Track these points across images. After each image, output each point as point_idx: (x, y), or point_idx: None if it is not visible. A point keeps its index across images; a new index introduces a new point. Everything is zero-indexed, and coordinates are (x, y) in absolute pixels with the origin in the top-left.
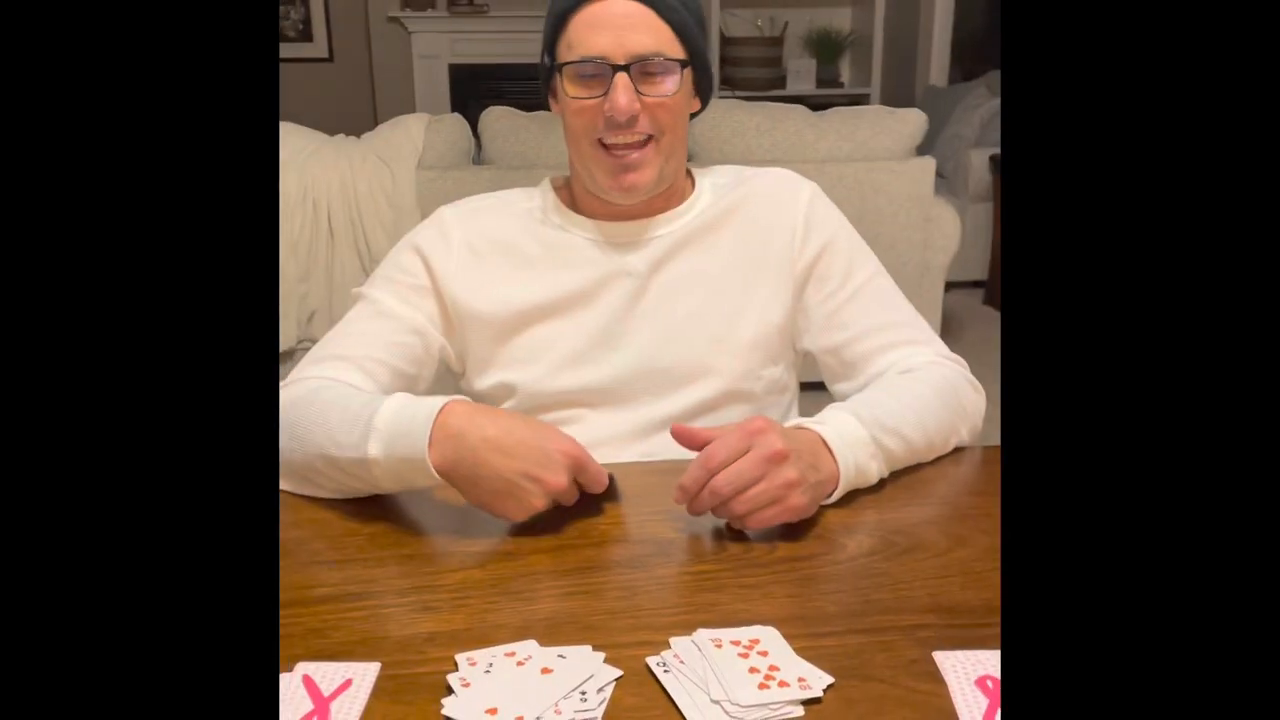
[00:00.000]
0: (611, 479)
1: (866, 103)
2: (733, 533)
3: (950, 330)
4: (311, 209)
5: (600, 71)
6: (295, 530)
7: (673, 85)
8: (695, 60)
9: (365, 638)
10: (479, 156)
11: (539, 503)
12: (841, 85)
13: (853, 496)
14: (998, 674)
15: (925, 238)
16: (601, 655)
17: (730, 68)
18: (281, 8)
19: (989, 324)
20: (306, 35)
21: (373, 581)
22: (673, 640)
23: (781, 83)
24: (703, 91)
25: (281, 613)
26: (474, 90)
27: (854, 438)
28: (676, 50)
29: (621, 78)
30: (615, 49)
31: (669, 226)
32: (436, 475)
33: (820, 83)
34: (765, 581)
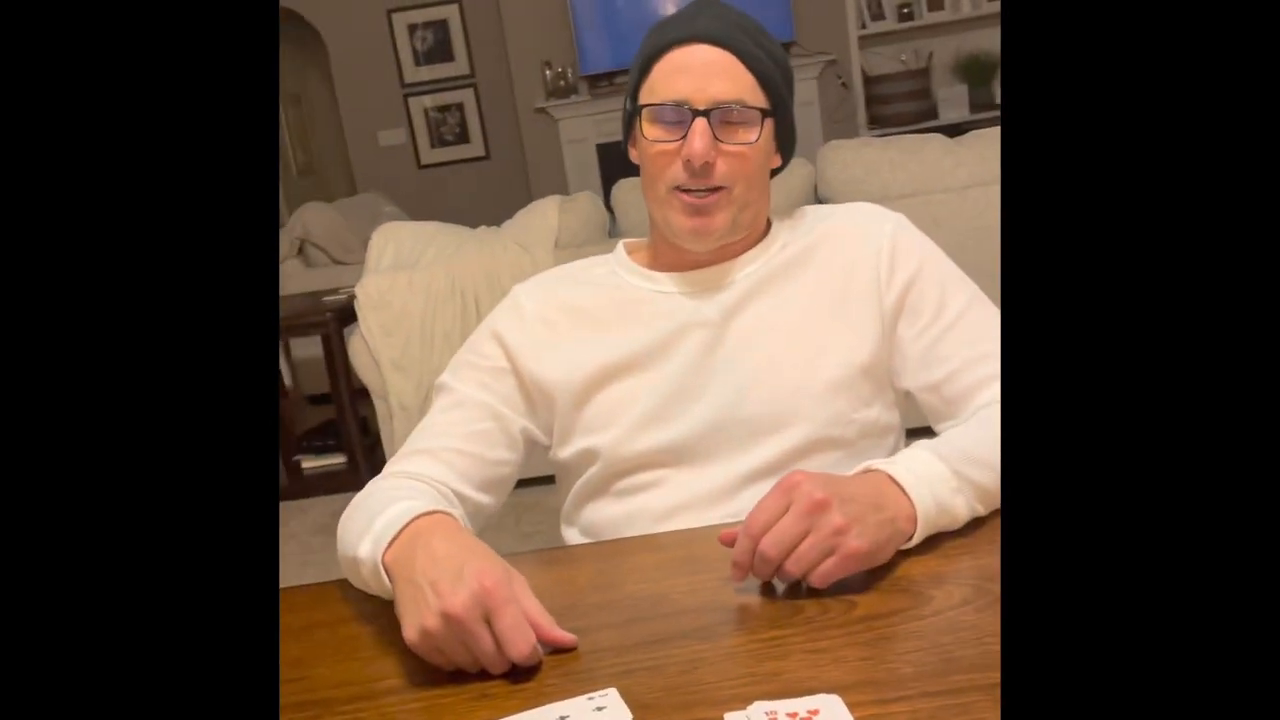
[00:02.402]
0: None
1: None
2: (810, 593)
3: None
4: (460, 301)
5: (680, 116)
6: (363, 624)
7: (752, 134)
8: (778, 112)
9: None
10: (614, 229)
11: (430, 621)
12: (998, 107)
13: (946, 541)
14: None
15: None
16: None
17: (878, 106)
18: (440, 114)
19: None
20: (464, 137)
21: (434, 671)
22: (727, 715)
23: (933, 113)
24: (784, 147)
25: (346, 707)
26: (623, 166)
27: (929, 473)
28: (759, 99)
29: (700, 123)
30: (696, 94)
31: (743, 271)
32: (386, 577)
33: (974, 107)
34: (837, 644)
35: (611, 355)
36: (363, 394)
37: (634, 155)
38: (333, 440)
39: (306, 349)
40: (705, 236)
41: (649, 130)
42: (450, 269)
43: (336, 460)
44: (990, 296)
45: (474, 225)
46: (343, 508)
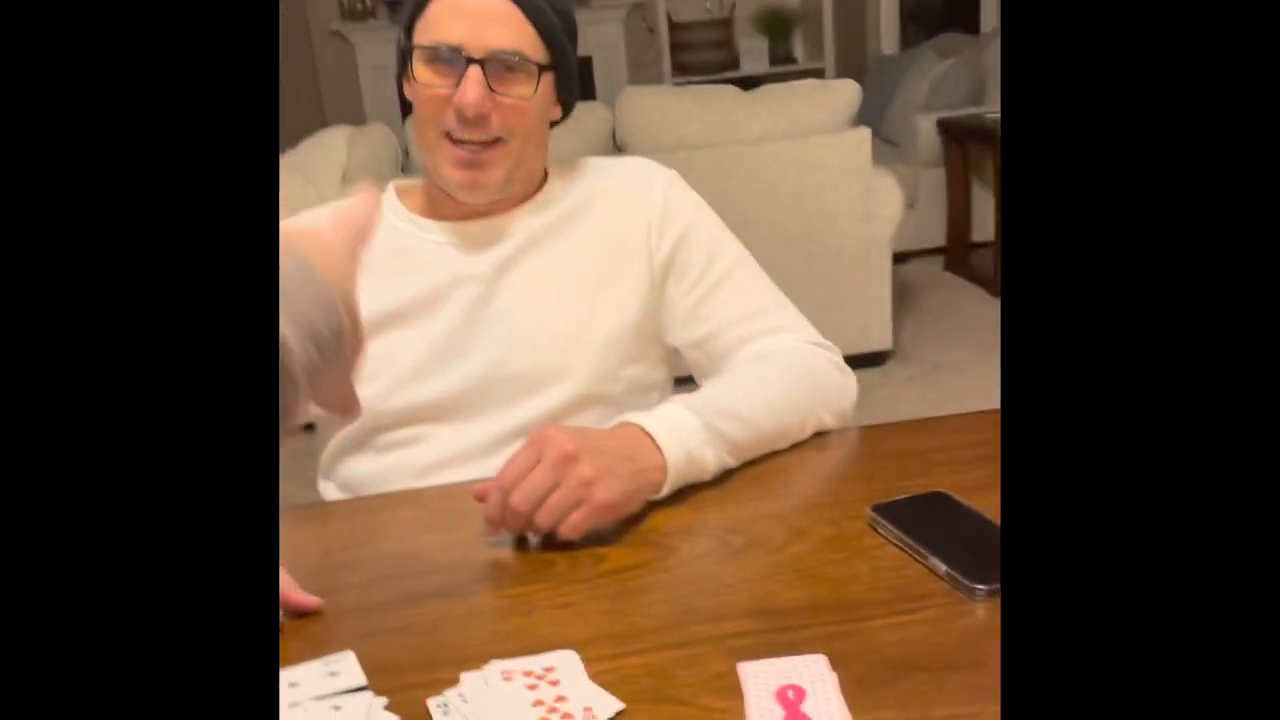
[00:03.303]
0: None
1: (822, 77)
2: (561, 547)
3: (909, 300)
4: None
5: (453, 60)
6: None
7: (529, 88)
8: (559, 66)
9: None
10: (408, 166)
11: None
12: (795, 61)
13: (695, 493)
14: (801, 683)
15: (868, 209)
16: (383, 701)
17: (681, 53)
18: None
19: (951, 290)
20: None
21: None
22: (463, 676)
23: (734, 64)
24: (566, 101)
25: None
26: None
27: (681, 425)
28: (538, 52)
29: (474, 70)
30: (472, 40)
31: (517, 225)
32: None
33: (774, 60)
34: (583, 598)
35: (378, 306)
36: None
37: (408, 92)
38: None
39: None
40: (477, 190)
41: (421, 72)
42: None
43: None
44: (772, 246)
45: None
46: None
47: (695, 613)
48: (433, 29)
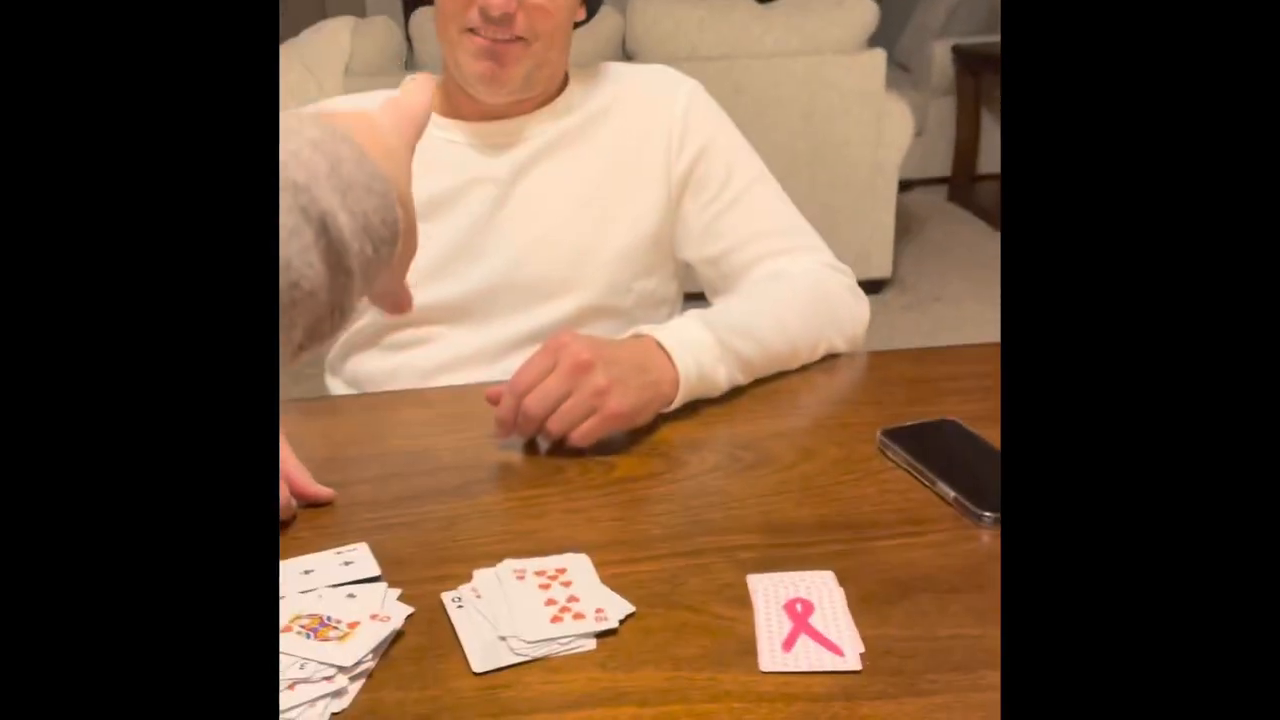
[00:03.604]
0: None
1: None
2: (572, 454)
3: (910, 229)
4: None
5: None
6: None
7: None
8: None
9: None
10: (411, 60)
11: None
12: None
13: (705, 408)
14: (809, 597)
15: (878, 134)
16: (396, 592)
17: None
18: None
19: (954, 221)
20: None
21: None
22: (476, 573)
23: None
24: (591, 1)
25: None
26: None
27: (694, 340)
28: None
29: None
30: None
31: (536, 128)
32: None
33: None
34: (593, 505)
35: None
36: None
37: None
38: None
39: None
40: (497, 85)
41: None
42: None
43: None
44: (779, 166)
45: None
46: None
47: (704, 524)
48: None
